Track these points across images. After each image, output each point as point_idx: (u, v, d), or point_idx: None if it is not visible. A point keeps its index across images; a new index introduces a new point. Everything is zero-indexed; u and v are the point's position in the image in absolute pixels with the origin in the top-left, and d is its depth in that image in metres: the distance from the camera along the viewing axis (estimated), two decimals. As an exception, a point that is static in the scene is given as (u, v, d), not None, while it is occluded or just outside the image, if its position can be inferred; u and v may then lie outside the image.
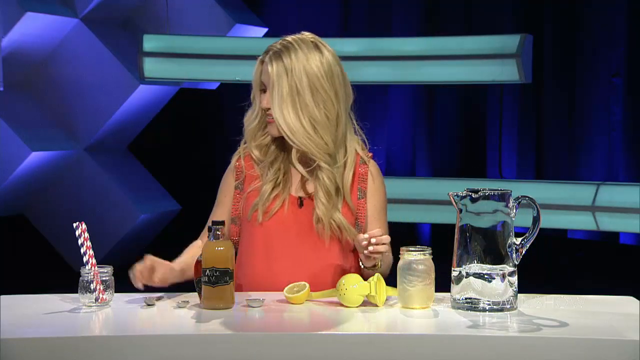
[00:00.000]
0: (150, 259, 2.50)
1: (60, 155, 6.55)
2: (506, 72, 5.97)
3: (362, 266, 2.58)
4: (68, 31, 6.51)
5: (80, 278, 2.40)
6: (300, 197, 2.68)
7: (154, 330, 2.22)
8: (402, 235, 6.96)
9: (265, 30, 7.26)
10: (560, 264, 6.81)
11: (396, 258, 2.44)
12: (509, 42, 5.98)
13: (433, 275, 2.40)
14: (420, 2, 7.32)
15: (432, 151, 7.42)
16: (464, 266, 2.38)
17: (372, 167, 2.74)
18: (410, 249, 2.41)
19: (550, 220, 5.88)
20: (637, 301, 2.47)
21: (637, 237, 6.76)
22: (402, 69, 6.22)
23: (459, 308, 2.38)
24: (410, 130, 7.48)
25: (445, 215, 6.01)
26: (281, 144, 2.71)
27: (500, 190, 2.39)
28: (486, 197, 2.37)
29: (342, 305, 2.41)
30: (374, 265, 2.55)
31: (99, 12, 6.57)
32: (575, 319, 2.27)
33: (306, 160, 2.68)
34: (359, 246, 2.51)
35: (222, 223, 2.38)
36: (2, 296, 2.47)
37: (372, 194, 2.72)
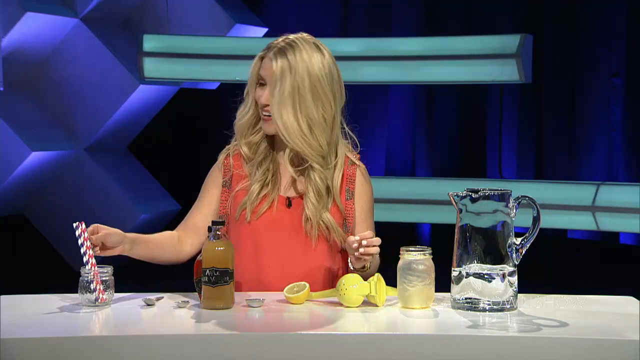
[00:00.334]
0: (94, 225, 2.47)
1: (60, 155, 6.55)
2: (506, 72, 5.97)
3: (352, 267, 2.57)
4: (68, 31, 6.51)
5: (80, 278, 2.40)
6: (288, 197, 2.68)
7: (154, 330, 2.22)
8: (402, 235, 6.96)
9: (265, 30, 7.26)
10: (560, 264, 6.81)
11: (396, 258, 2.44)
12: (509, 42, 5.98)
13: (433, 275, 2.40)
14: (420, 2, 7.32)
15: (432, 151, 7.43)
16: (464, 266, 2.38)
17: (360, 169, 2.74)
18: (410, 249, 2.41)
19: (550, 220, 5.88)
20: (637, 301, 2.47)
21: (637, 237, 6.76)
22: (402, 69, 6.22)
23: (459, 308, 2.38)
24: (410, 130, 7.48)
25: (445, 215, 6.01)
26: (271, 143, 2.71)
27: (500, 190, 2.39)
28: (486, 197, 2.37)
29: (342, 305, 2.41)
30: (363, 267, 2.55)
31: (99, 12, 6.57)
32: (575, 319, 2.27)
33: (297, 160, 2.68)
34: (349, 248, 2.50)
35: (222, 223, 2.38)
36: (2, 296, 2.47)
37: (359, 196, 2.72)
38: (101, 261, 2.47)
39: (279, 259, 2.64)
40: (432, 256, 2.41)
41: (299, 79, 2.59)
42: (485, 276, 2.36)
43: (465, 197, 2.38)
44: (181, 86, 7.06)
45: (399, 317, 2.34)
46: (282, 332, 2.21)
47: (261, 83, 2.65)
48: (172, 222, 6.93)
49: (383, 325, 2.32)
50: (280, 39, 2.66)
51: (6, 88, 6.12)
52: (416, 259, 2.40)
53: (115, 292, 2.44)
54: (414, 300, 2.38)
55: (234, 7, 7.12)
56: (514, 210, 2.39)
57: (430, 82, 6.56)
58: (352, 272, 2.56)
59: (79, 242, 2.42)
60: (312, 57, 2.61)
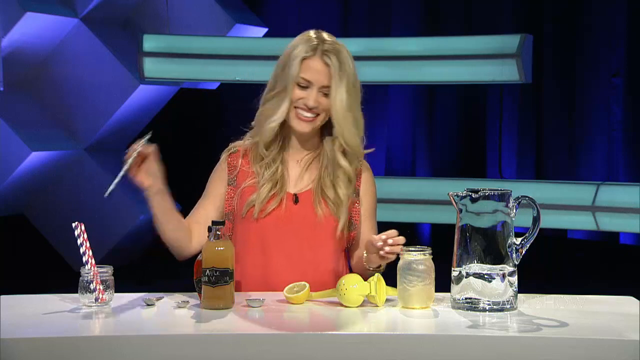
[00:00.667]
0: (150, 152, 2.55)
1: (60, 155, 6.55)
2: (506, 72, 5.97)
3: (368, 267, 2.57)
4: (68, 31, 6.51)
5: (80, 278, 2.40)
6: (295, 194, 2.68)
7: (154, 330, 2.22)
8: (402, 235, 6.94)
9: (265, 30, 7.26)
10: (560, 264, 6.81)
11: (396, 258, 2.44)
12: (509, 42, 5.98)
13: (433, 275, 2.40)
14: (420, 2, 7.32)
15: (432, 151, 7.43)
16: (464, 266, 2.37)
17: (365, 167, 2.76)
18: (410, 249, 2.42)
19: (550, 220, 5.88)
20: (637, 301, 2.47)
21: (637, 237, 6.76)
22: (402, 69, 6.22)
23: (459, 308, 2.38)
24: (410, 130, 7.48)
25: (445, 215, 6.01)
26: (283, 145, 2.71)
27: (500, 190, 2.39)
28: (486, 197, 2.37)
29: (342, 305, 2.41)
30: (379, 266, 2.56)
31: (99, 12, 6.57)
32: (575, 319, 2.27)
33: (304, 156, 2.70)
34: (371, 247, 2.49)
35: (222, 223, 2.38)
36: (2, 296, 2.47)
37: (364, 193, 2.73)
38: (101, 261, 2.47)
39: (286, 255, 2.64)
40: (432, 256, 2.42)
41: (352, 79, 2.63)
42: (485, 276, 2.36)
43: (465, 197, 2.38)
44: (181, 86, 7.06)
45: (399, 317, 2.34)
46: (282, 332, 2.21)
47: (302, 85, 2.63)
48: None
49: (383, 325, 2.32)
50: (319, 37, 2.62)
51: (6, 88, 6.12)
52: (416, 259, 2.40)
53: (115, 292, 2.44)
54: (414, 300, 2.38)
55: (234, 7, 7.12)
56: (514, 210, 2.39)
57: (430, 82, 6.56)
58: (365, 271, 2.56)
59: (79, 242, 2.42)
60: (351, 58, 2.64)
